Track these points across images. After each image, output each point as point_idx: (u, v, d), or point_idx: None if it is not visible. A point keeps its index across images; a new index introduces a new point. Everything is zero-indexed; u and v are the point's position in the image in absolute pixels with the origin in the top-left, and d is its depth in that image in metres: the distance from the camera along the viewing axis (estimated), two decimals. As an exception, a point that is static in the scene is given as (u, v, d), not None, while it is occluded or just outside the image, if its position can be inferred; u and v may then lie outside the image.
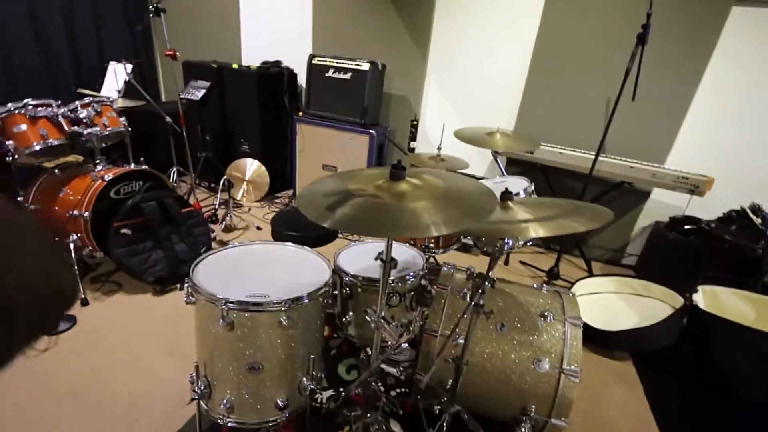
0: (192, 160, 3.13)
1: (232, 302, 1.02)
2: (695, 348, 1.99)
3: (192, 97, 2.91)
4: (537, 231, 1.01)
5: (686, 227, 2.64)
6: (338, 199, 0.79)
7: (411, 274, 1.32)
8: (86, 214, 1.98)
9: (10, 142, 1.93)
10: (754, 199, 2.51)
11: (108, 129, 2.24)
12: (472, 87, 3.17)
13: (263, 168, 3.48)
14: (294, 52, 3.50)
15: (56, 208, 2.08)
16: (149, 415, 1.48)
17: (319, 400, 1.61)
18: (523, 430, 1.32)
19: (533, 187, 1.52)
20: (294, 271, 1.25)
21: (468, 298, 1.48)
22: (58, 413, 1.47)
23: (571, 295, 1.53)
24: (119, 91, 2.82)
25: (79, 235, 2.04)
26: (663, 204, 2.88)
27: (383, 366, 1.84)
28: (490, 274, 1.06)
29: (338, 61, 2.98)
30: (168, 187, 2.38)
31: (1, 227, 0.30)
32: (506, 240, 1.11)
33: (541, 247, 3.24)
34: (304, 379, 1.17)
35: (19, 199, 2.14)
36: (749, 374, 1.82)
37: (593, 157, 2.39)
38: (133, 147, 3.02)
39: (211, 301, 1.04)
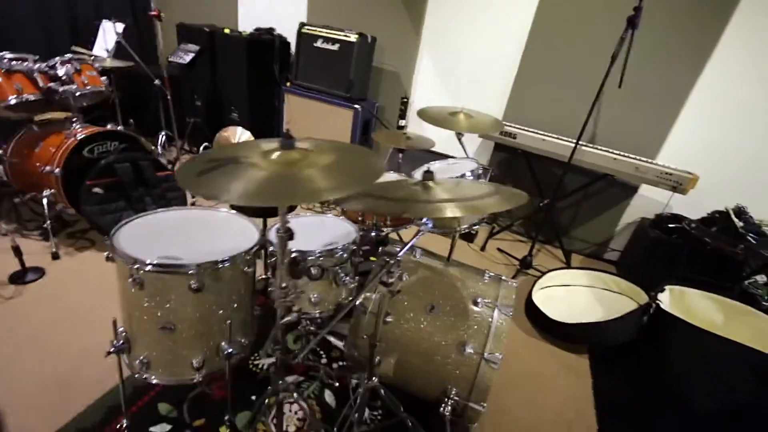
0: (182, 125, 3.16)
1: (139, 263, 1.04)
2: (652, 348, 1.95)
3: (180, 61, 2.91)
4: (453, 211, 1.00)
5: (670, 225, 2.54)
6: (216, 165, 0.79)
7: (340, 247, 1.32)
8: (57, 170, 2.03)
9: (-15, 95, 1.98)
10: (748, 200, 2.39)
11: (87, 87, 2.27)
12: (465, 67, 3.06)
13: (252, 138, 3.48)
14: (289, 20, 3.43)
15: (32, 162, 2.14)
16: (94, 366, 1.56)
17: (260, 366, 1.68)
18: (444, 410, 1.33)
19: (481, 171, 1.48)
20: (222, 237, 1.26)
21: (403, 278, 1.48)
22: (17, 357, 1.56)
23: (511, 283, 1.51)
24: (108, 50, 2.82)
25: (52, 190, 2.10)
26: (652, 201, 2.78)
27: (330, 338, 1.89)
28: (400, 252, 1.05)
29: (327, 31, 2.91)
30: (144, 149, 2.41)
31: None
32: (425, 220, 1.09)
33: (523, 236, 3.19)
34: (223, 342, 1.20)
35: (-1, 151, 2.22)
36: (701, 380, 1.78)
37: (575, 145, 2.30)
38: (123, 109, 3.07)
39: (123, 260, 1.06)
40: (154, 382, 1.21)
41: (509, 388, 1.79)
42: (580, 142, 2.48)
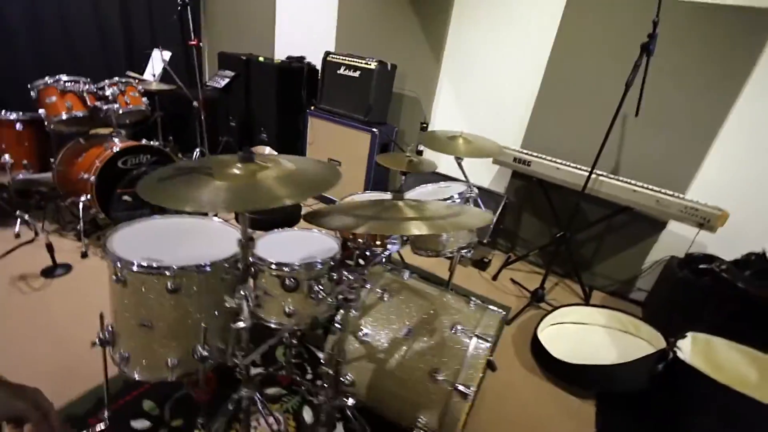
0: (216, 143, 3.40)
1: (122, 262, 1.13)
2: (667, 400, 1.77)
3: (215, 85, 3.17)
4: (420, 229, 1.00)
5: (701, 266, 2.33)
6: (178, 174, 0.85)
7: (319, 261, 1.35)
8: (92, 178, 2.25)
9: (42, 110, 2.26)
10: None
11: (129, 107, 2.52)
12: (483, 94, 3.08)
13: (278, 157, 3.67)
14: (319, 49, 3.64)
15: (75, 170, 2.39)
16: (97, 358, 1.66)
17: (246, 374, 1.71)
18: (415, 440, 1.28)
19: (470, 194, 1.45)
20: (211, 244, 1.33)
21: (385, 298, 1.47)
22: (31, 342, 1.71)
23: (497, 313, 1.45)
24: (154, 75, 3.14)
25: (88, 196, 2.33)
26: (683, 238, 2.57)
27: (320, 354, 1.89)
28: (366, 269, 1.05)
29: (349, 59, 3.05)
30: (173, 163, 2.61)
31: None
32: (392, 238, 1.10)
33: (540, 268, 3.05)
34: (199, 346, 1.24)
35: (51, 160, 2.50)
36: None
37: (594, 175, 2.19)
38: (165, 127, 3.37)
39: (110, 259, 1.15)
40: (136, 378, 1.27)
41: (501, 426, 1.68)
42: (599, 172, 2.39)
